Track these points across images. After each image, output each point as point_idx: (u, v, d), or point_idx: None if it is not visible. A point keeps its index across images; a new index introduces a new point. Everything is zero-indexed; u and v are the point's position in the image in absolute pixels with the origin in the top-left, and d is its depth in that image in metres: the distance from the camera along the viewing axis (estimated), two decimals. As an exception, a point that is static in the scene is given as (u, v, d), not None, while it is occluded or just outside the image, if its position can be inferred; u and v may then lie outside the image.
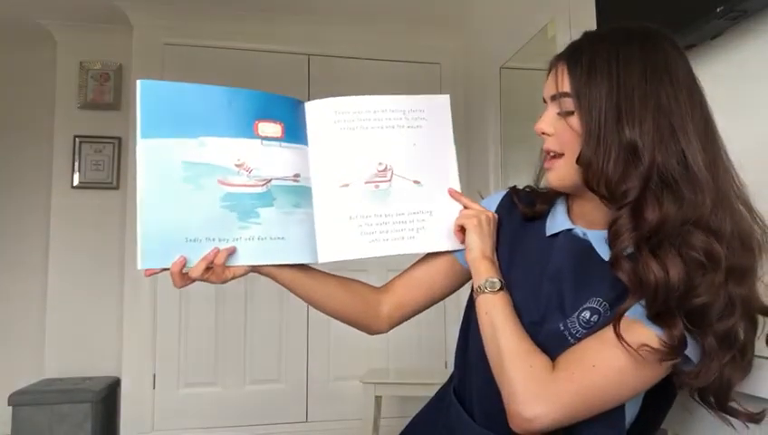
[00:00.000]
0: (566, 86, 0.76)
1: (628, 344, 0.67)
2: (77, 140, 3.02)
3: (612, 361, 0.69)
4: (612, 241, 0.71)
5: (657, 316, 0.68)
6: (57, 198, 3.00)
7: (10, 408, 2.60)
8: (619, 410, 0.73)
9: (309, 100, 0.91)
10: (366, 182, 0.90)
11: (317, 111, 0.91)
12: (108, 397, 2.81)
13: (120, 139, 3.04)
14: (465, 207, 0.91)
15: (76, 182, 3.02)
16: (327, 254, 0.88)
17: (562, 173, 0.79)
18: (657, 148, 0.69)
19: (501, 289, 0.81)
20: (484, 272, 0.83)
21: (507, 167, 2.67)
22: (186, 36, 2.92)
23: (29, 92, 3.12)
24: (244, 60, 2.97)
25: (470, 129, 3.02)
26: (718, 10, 1.11)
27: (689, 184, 0.68)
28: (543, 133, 0.81)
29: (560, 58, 0.79)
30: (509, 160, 2.67)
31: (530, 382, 0.71)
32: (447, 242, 0.91)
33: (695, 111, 0.72)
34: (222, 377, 2.87)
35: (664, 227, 0.67)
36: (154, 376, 2.78)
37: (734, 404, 0.71)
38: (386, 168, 0.91)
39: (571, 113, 0.75)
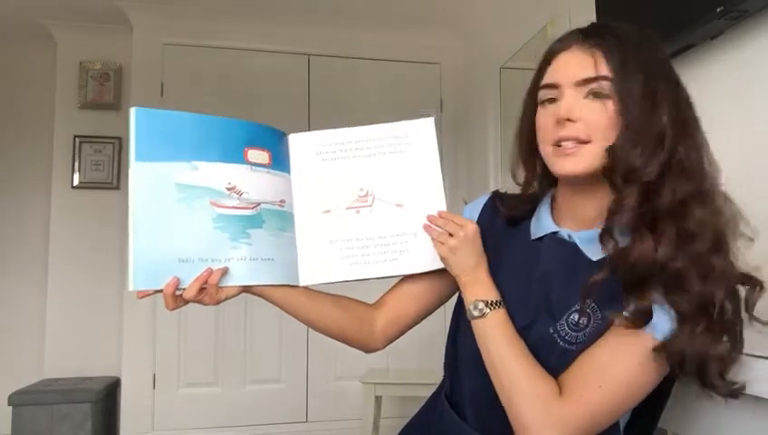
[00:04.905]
0: (604, 70, 0.73)
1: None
2: (77, 140, 3.01)
3: (618, 377, 0.69)
4: (611, 214, 0.71)
5: (630, 288, 0.69)
6: (57, 198, 2.99)
7: (10, 408, 2.60)
8: None
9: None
10: (347, 208, 0.91)
11: (299, 144, 0.93)
12: (108, 397, 2.81)
13: (119, 139, 3.04)
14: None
15: (76, 182, 3.01)
16: (308, 277, 0.90)
17: (588, 161, 0.74)
18: (680, 138, 0.72)
19: (490, 310, 0.79)
20: (469, 295, 0.81)
21: (507, 167, 2.67)
22: (186, 36, 2.91)
23: (29, 92, 3.12)
24: (244, 60, 2.97)
25: (470, 128, 3.03)
26: (718, 10, 1.11)
27: (698, 174, 0.72)
28: (568, 120, 0.75)
29: (586, 42, 0.76)
30: (509, 160, 2.66)
31: (539, 412, 0.70)
32: (433, 263, 0.89)
33: (692, 109, 0.76)
34: (222, 377, 2.87)
35: (673, 213, 0.69)
36: (154, 376, 2.78)
37: (715, 380, 0.70)
38: (367, 193, 0.92)
39: (606, 98, 0.73)
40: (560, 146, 0.76)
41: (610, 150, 0.72)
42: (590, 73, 0.74)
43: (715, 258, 0.68)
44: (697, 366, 0.68)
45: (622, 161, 0.71)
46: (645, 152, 0.70)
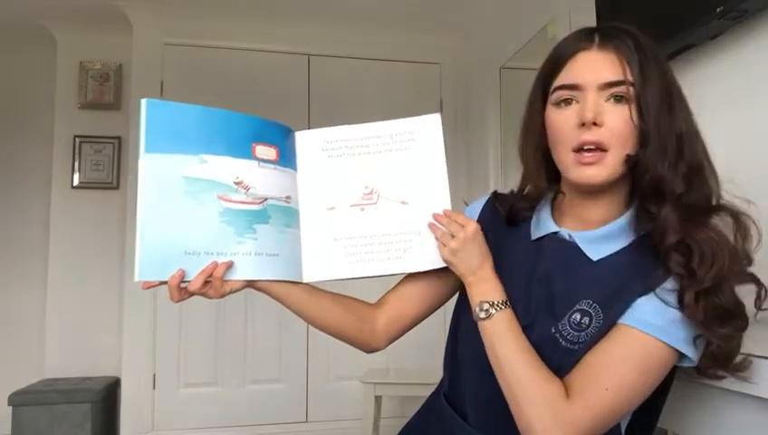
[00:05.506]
0: (629, 74, 0.73)
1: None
2: (77, 140, 3.01)
3: (624, 380, 0.69)
4: (662, 237, 0.71)
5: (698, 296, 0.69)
6: (57, 198, 2.99)
7: (10, 408, 2.60)
8: None
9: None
10: (352, 205, 0.91)
11: (306, 141, 0.94)
12: (108, 397, 2.81)
13: (119, 138, 3.03)
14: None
15: (76, 182, 3.01)
16: (311, 274, 0.90)
17: (609, 171, 0.74)
18: (694, 141, 0.74)
19: (496, 311, 0.78)
20: (476, 295, 0.81)
21: (507, 167, 2.67)
22: (186, 36, 2.91)
23: (29, 92, 3.12)
24: (244, 60, 2.97)
25: (470, 129, 3.03)
26: (718, 10, 1.11)
27: (710, 172, 0.75)
28: (594, 123, 0.73)
29: (606, 44, 0.75)
30: (509, 160, 2.67)
31: (545, 413, 0.70)
32: (436, 261, 0.89)
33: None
34: (222, 377, 2.87)
35: (705, 206, 0.72)
36: (154, 376, 2.78)
37: (731, 371, 0.74)
38: (372, 190, 0.92)
39: (625, 102, 0.73)
40: (580, 152, 0.74)
41: (636, 161, 0.73)
42: (616, 77, 0.73)
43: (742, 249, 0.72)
44: (724, 360, 0.72)
45: (652, 173, 0.71)
46: (671, 161, 0.71)
